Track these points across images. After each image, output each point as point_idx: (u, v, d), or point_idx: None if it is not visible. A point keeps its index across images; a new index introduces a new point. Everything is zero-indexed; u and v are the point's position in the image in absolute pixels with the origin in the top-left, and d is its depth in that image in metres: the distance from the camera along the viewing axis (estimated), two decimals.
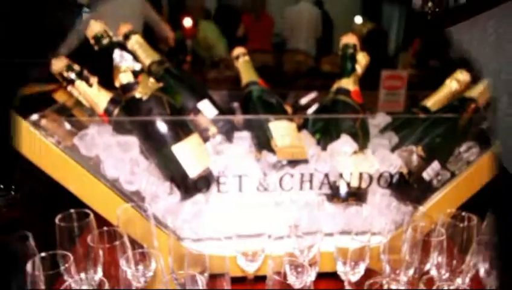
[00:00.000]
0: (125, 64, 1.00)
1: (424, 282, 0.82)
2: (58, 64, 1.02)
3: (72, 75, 1.01)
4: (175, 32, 4.54)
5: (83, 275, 0.83)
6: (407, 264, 0.90)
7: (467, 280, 0.89)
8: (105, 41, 1.01)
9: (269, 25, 5.20)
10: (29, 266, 0.72)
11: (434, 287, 0.78)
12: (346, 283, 0.92)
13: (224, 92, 1.42)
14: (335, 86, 1.21)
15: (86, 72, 1.03)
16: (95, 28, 1.01)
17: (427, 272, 0.91)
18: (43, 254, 0.76)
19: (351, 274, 0.92)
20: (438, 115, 1.16)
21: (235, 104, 1.36)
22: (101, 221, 0.94)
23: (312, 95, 1.44)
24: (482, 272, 0.89)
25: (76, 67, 1.02)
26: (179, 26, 4.58)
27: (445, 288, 0.84)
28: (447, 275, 0.90)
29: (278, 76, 4.26)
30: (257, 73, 1.28)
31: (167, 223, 0.99)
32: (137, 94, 0.98)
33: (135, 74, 1.00)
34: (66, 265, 0.75)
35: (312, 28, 5.20)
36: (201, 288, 0.75)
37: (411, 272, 0.89)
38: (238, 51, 1.33)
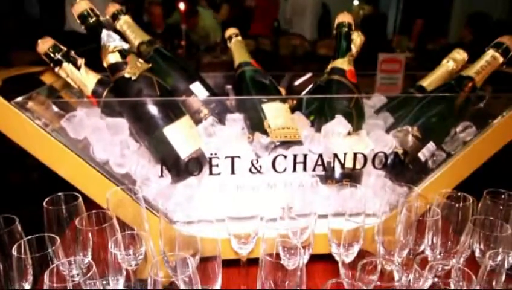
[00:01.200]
0: (113, 44, 0.97)
1: (418, 262, 0.81)
2: (43, 45, 0.99)
3: (59, 56, 0.98)
4: (169, 16, 4.48)
5: (72, 258, 0.82)
6: (402, 245, 0.89)
7: (462, 260, 0.88)
8: (91, 20, 0.98)
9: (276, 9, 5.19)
10: (15, 250, 0.70)
11: (428, 267, 0.77)
12: (340, 264, 0.91)
13: (219, 74, 1.40)
14: (329, 66, 1.18)
15: (72, 53, 1.00)
16: (80, 6, 0.98)
17: (422, 252, 0.90)
18: (29, 237, 0.74)
19: (345, 255, 0.91)
20: (434, 95, 1.14)
21: (228, 87, 1.33)
22: (91, 204, 0.92)
23: (307, 76, 1.42)
24: (477, 252, 0.88)
25: (63, 48, 0.99)
26: (174, 11, 4.53)
27: (440, 268, 0.83)
28: (442, 255, 0.89)
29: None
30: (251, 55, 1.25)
31: (158, 206, 0.98)
32: (126, 74, 0.96)
33: (123, 53, 0.97)
34: (54, 248, 0.73)
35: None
36: (192, 270, 0.73)
37: (405, 252, 0.88)
38: (231, 31, 1.30)
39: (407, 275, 0.85)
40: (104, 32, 0.97)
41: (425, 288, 0.79)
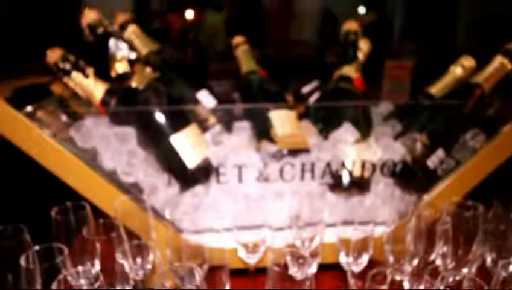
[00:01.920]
0: (120, 54, 0.98)
1: (429, 272, 0.80)
2: (53, 55, 0.99)
3: (68, 66, 0.99)
4: (179, 23, 4.51)
5: (80, 268, 0.82)
6: (412, 254, 0.87)
7: (473, 269, 0.87)
8: (100, 30, 0.99)
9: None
10: (23, 260, 0.70)
11: (439, 277, 0.76)
12: (349, 274, 0.90)
13: (227, 82, 1.40)
14: (337, 74, 1.18)
15: (81, 63, 1.01)
16: (89, 16, 0.99)
17: (432, 262, 0.89)
18: (37, 247, 0.74)
19: (354, 265, 0.90)
20: (442, 102, 1.13)
21: (235, 94, 1.33)
22: (99, 213, 0.92)
23: (314, 83, 1.41)
24: (488, 261, 0.87)
25: (72, 58, 1.00)
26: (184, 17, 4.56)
27: (451, 278, 0.81)
28: (453, 264, 0.88)
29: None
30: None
31: (166, 215, 0.98)
32: (134, 84, 0.96)
33: (131, 63, 0.98)
34: (62, 258, 0.73)
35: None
36: (199, 280, 0.73)
37: (415, 262, 0.87)
38: (238, 40, 1.30)
39: (417, 286, 0.84)
40: (112, 42, 0.98)
41: None
